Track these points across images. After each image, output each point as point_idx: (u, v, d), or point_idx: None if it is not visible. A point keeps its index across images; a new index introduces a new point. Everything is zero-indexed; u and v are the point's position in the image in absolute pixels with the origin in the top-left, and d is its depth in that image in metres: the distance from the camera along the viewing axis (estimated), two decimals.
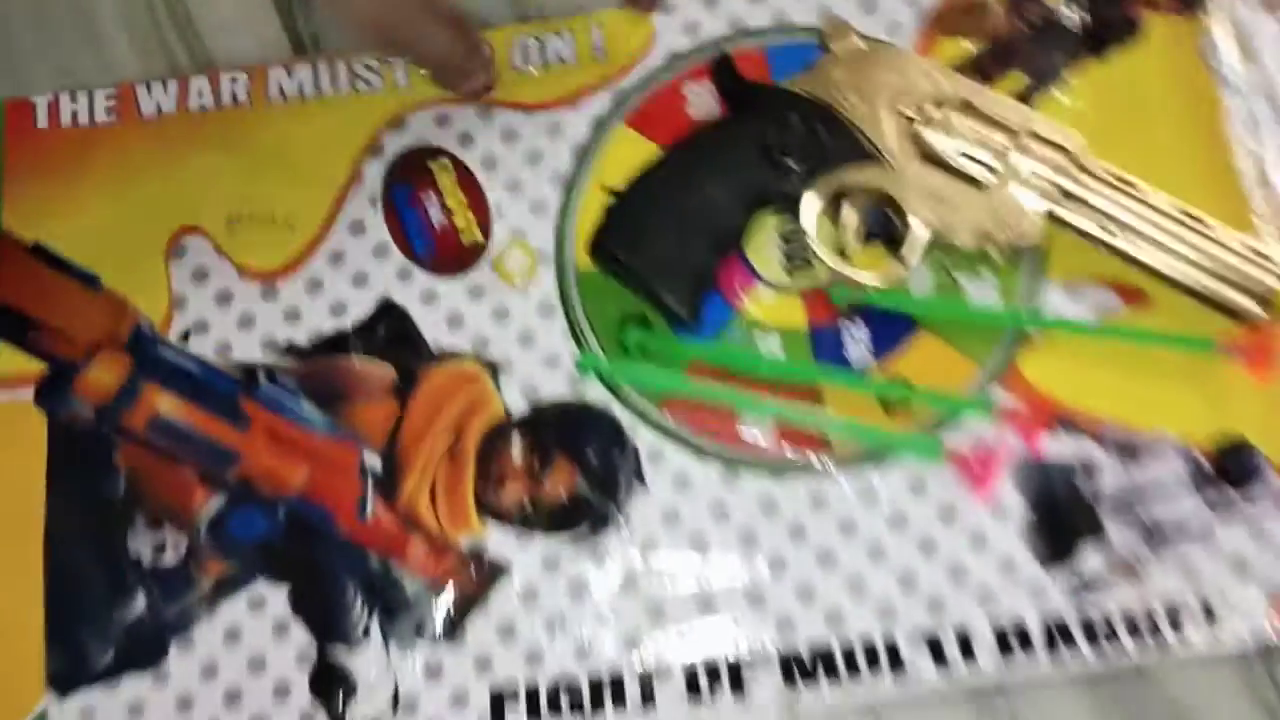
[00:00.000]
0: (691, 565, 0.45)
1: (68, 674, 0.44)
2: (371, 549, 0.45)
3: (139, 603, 0.45)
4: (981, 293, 0.47)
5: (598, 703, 0.43)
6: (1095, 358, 0.46)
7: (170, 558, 0.45)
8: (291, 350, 0.47)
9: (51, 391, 0.47)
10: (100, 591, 0.45)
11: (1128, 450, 0.45)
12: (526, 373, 0.47)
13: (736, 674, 0.44)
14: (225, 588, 0.45)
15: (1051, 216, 0.46)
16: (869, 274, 0.46)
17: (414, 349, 0.47)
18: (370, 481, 0.46)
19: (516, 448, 0.46)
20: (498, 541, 0.45)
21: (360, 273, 0.48)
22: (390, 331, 0.48)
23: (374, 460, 0.46)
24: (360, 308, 0.48)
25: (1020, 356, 0.46)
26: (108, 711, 0.44)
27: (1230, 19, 0.50)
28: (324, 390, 0.47)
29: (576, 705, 0.43)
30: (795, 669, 0.43)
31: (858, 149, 0.46)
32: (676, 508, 0.46)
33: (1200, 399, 0.46)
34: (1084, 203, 0.45)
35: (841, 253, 0.47)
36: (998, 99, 0.47)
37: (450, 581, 0.45)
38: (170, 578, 0.45)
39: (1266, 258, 0.45)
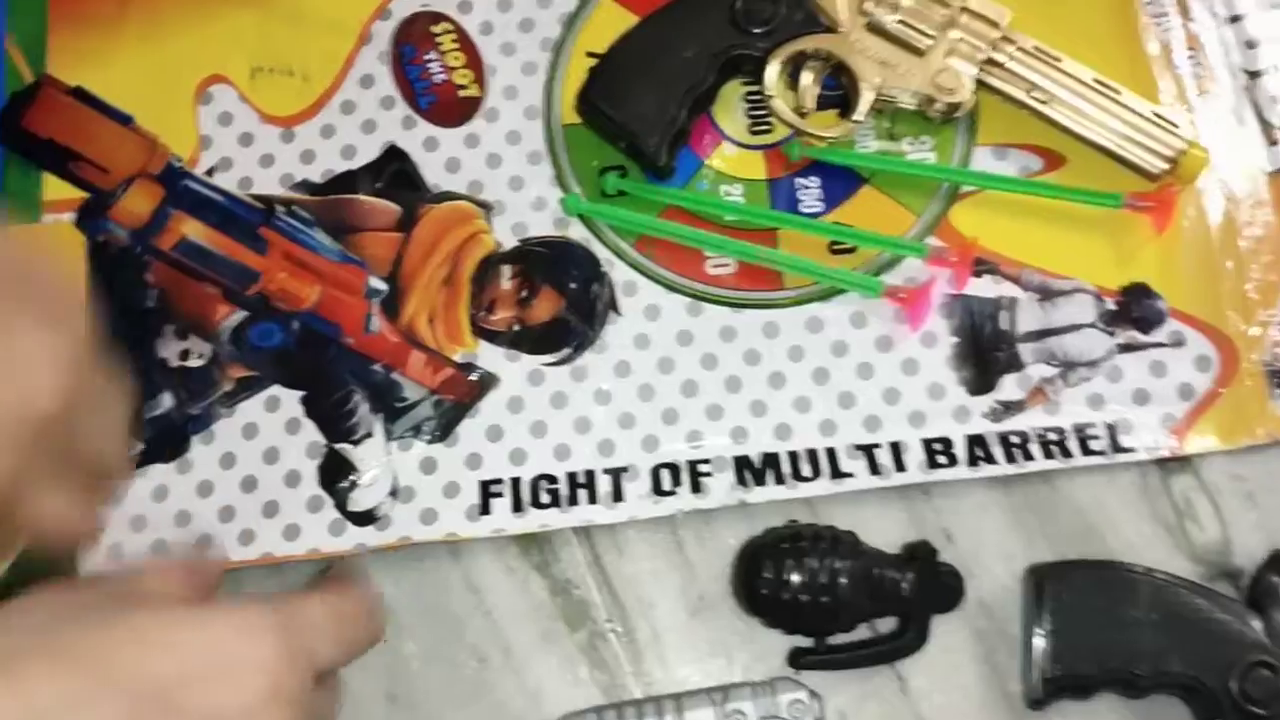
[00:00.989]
0: (659, 384, 0.51)
1: None
2: (376, 359, 0.51)
3: (166, 400, 0.50)
4: (920, 154, 0.53)
5: (574, 498, 0.49)
6: (1017, 211, 0.52)
7: (195, 362, 0.51)
8: (307, 186, 0.53)
9: (91, 216, 0.52)
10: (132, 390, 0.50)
11: (1044, 292, 0.52)
12: (516, 213, 0.53)
13: (695, 475, 0.50)
14: (243, 389, 0.51)
15: (982, 83, 0.52)
16: (822, 130, 0.52)
17: (416, 189, 0.53)
18: (376, 301, 0.51)
19: (506, 277, 0.52)
20: (488, 357, 0.51)
21: (369, 120, 0.54)
22: (395, 173, 0.53)
23: (379, 284, 0.52)
24: (368, 152, 0.54)
25: (952, 209, 0.52)
26: (134, 495, 0.49)
27: None
28: (335, 221, 0.52)
29: (554, 498, 0.49)
30: (747, 472, 0.50)
31: (815, 20, 0.52)
32: (647, 334, 0.51)
33: (1109, 249, 0.52)
34: (1011, 71, 0.51)
35: (800, 113, 0.53)
36: None
37: (446, 389, 0.51)
38: (194, 379, 0.51)
39: (1171, 122, 0.51)
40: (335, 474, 0.49)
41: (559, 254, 0.52)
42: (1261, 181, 0.53)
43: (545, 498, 0.49)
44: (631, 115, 0.52)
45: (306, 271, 0.51)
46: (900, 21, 0.52)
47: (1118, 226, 0.52)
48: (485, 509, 0.49)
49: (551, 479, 0.49)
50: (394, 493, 0.49)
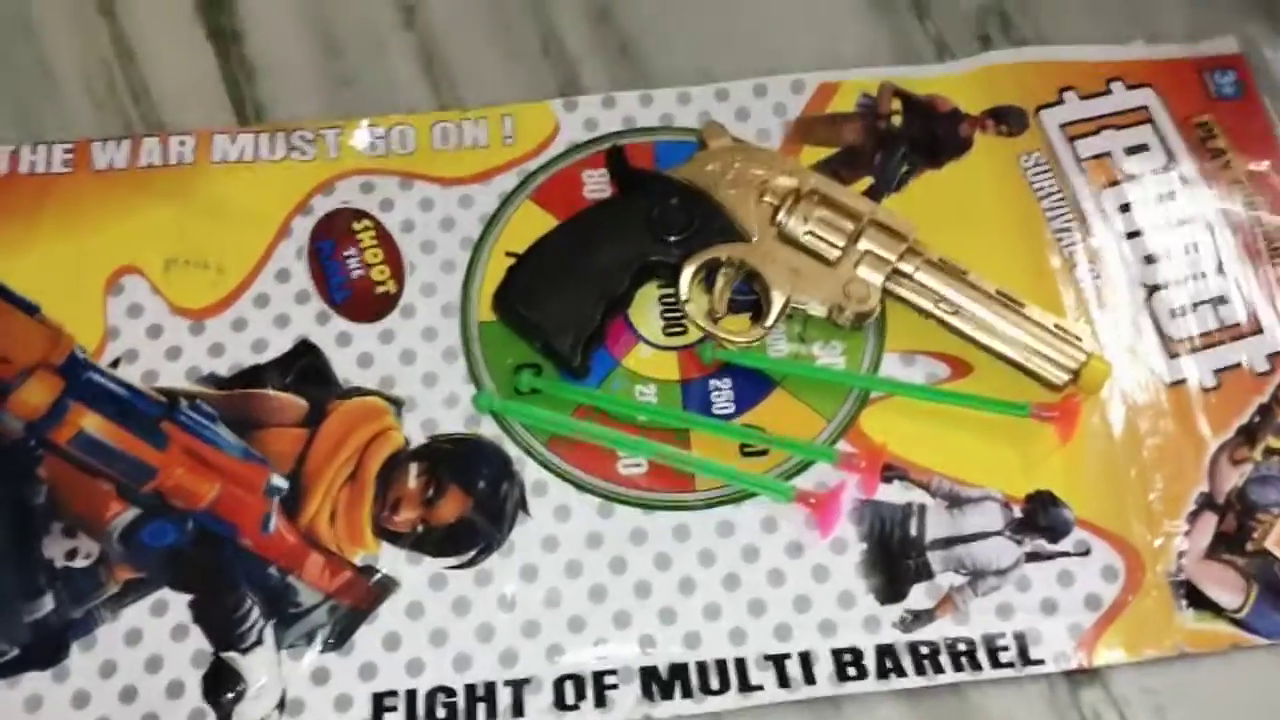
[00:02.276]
0: (566, 588, 0.50)
1: None
2: (272, 561, 0.49)
3: (47, 603, 0.48)
4: (831, 358, 0.54)
5: (472, 713, 0.47)
6: (926, 417, 0.53)
7: (81, 562, 0.49)
8: (213, 380, 0.52)
9: None
10: (12, 591, 0.48)
11: (953, 499, 0.52)
12: (427, 409, 0.52)
13: (600, 688, 0.48)
14: (130, 592, 0.48)
15: (890, 293, 0.53)
16: (734, 335, 0.53)
17: (325, 384, 0.53)
18: (276, 500, 0.50)
19: (413, 475, 0.51)
20: (390, 560, 0.50)
21: (282, 314, 0.54)
22: (305, 368, 0.53)
23: (280, 481, 0.50)
24: (280, 345, 0.53)
25: (862, 414, 0.53)
26: (7, 705, 0.47)
27: (1043, 142, 0.59)
28: (240, 417, 0.52)
29: (451, 713, 0.47)
30: (654, 684, 0.48)
31: (728, 229, 0.54)
32: (556, 535, 0.50)
33: (1016, 456, 0.52)
34: (918, 282, 0.53)
35: (713, 317, 0.54)
36: (848, 192, 0.54)
37: (343, 594, 0.49)
38: (79, 580, 0.48)
39: (1074, 335, 0.52)
40: (221, 685, 0.47)
41: (469, 452, 0.52)
42: (1162, 392, 0.54)
43: (442, 712, 0.47)
44: (547, 316, 0.52)
45: (206, 468, 0.50)
46: (810, 233, 0.53)
47: (1024, 434, 0.53)
48: None
49: (450, 691, 0.47)
50: (281, 705, 0.47)
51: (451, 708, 0.47)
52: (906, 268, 0.53)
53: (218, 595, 0.48)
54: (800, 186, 0.54)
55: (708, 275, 0.54)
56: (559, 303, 0.52)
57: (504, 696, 0.47)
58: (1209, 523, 0.52)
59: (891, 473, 0.52)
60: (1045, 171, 0.58)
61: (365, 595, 0.49)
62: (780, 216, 0.54)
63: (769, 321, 0.53)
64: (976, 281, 0.53)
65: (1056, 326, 0.52)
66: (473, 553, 0.50)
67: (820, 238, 0.53)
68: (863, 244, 0.53)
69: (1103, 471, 0.52)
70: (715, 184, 0.55)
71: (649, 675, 0.48)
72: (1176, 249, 0.57)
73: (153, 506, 0.49)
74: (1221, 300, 0.56)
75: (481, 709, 0.47)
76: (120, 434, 0.50)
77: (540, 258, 0.53)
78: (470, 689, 0.47)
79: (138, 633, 0.48)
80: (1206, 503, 0.52)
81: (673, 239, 0.54)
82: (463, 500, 0.51)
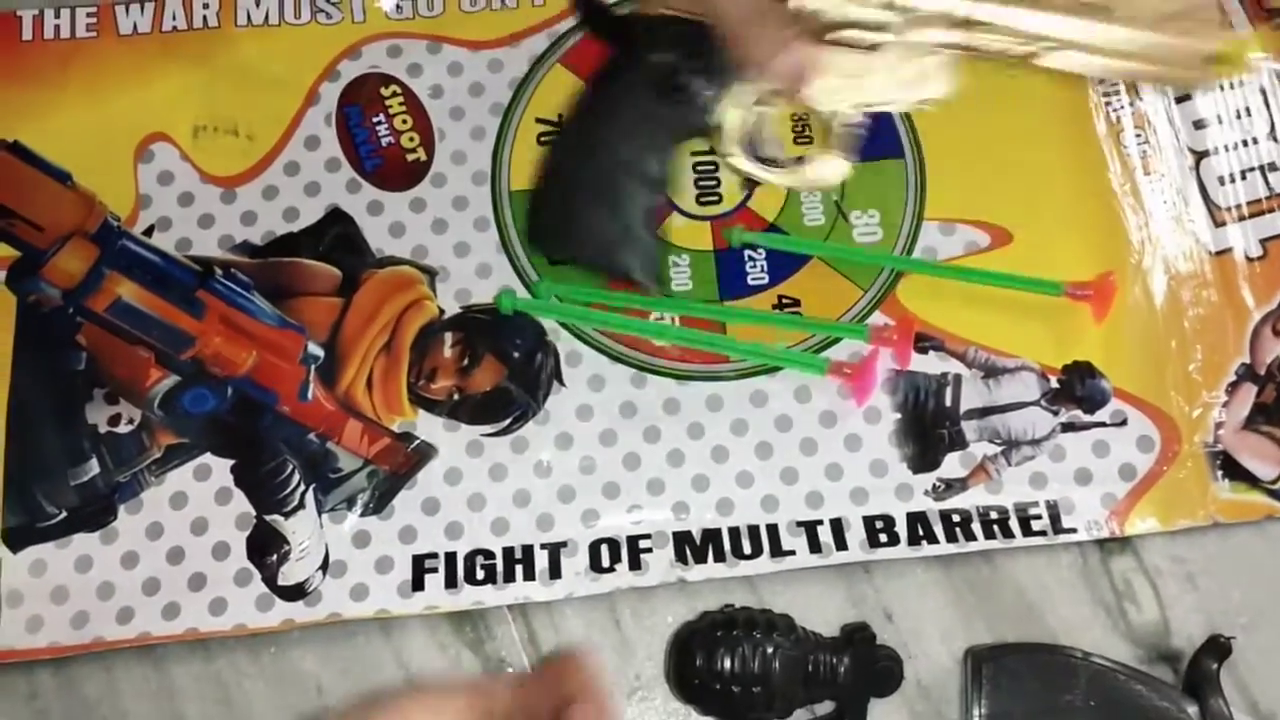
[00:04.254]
0: (600, 456, 0.50)
1: (22, 530, 0.48)
2: (310, 428, 0.50)
3: (92, 466, 0.49)
4: (867, 226, 0.53)
5: (510, 574, 0.49)
6: (964, 288, 0.52)
7: (124, 428, 0.50)
8: (246, 248, 0.52)
9: (22, 275, 0.51)
10: (57, 456, 0.49)
11: (989, 370, 0.51)
12: (461, 279, 0.52)
13: (635, 551, 0.49)
14: (173, 457, 0.49)
15: (965, 49, 0.47)
16: (801, 174, 0.49)
17: (359, 253, 0.52)
18: (312, 368, 0.50)
19: (448, 345, 0.51)
20: (427, 427, 0.50)
21: (313, 182, 0.53)
22: (338, 237, 0.52)
23: (317, 350, 0.51)
24: (311, 214, 0.53)
25: (899, 285, 0.52)
26: (57, 565, 0.48)
27: None
28: (274, 285, 0.51)
29: (490, 574, 0.48)
30: (687, 548, 0.49)
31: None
32: (591, 405, 0.51)
33: (1054, 328, 0.52)
34: (990, 25, 0.47)
35: (772, 161, 0.50)
36: None
37: (381, 460, 0.50)
38: (123, 445, 0.49)
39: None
40: (265, 547, 0.48)
41: (503, 322, 0.51)
42: (1207, 262, 0.53)
43: (480, 574, 0.48)
44: (598, 249, 0.47)
45: (243, 336, 0.50)
46: (843, 23, 0.46)
47: (1061, 307, 0.52)
48: (418, 585, 0.48)
49: (488, 554, 0.48)
50: (324, 567, 0.48)
51: (490, 569, 0.48)
52: (970, 11, 0.45)
53: (259, 460, 0.49)
54: None
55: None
56: (602, 230, 0.47)
57: (541, 559, 0.48)
58: (1248, 394, 0.51)
59: (927, 343, 0.51)
60: None
61: (403, 461, 0.49)
62: (800, 11, 0.46)
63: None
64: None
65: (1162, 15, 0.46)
66: (508, 420, 0.50)
67: (856, 22, 0.46)
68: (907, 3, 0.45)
69: (1142, 342, 0.51)
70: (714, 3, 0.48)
71: (682, 540, 0.49)
72: (1227, 114, 0.55)
73: (191, 374, 0.50)
74: (1272, 167, 0.54)
75: (519, 570, 0.48)
76: (157, 302, 0.51)
77: (559, 186, 0.48)
78: (508, 552, 0.48)
79: (183, 496, 0.49)
80: (1246, 374, 0.51)
81: (695, 89, 0.47)
82: (498, 369, 0.51)
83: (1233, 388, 0.51)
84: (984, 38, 0.46)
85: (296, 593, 0.47)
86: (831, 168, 0.48)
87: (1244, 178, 0.54)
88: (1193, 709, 0.45)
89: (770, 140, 0.49)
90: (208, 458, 0.49)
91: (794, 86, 0.47)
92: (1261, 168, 0.54)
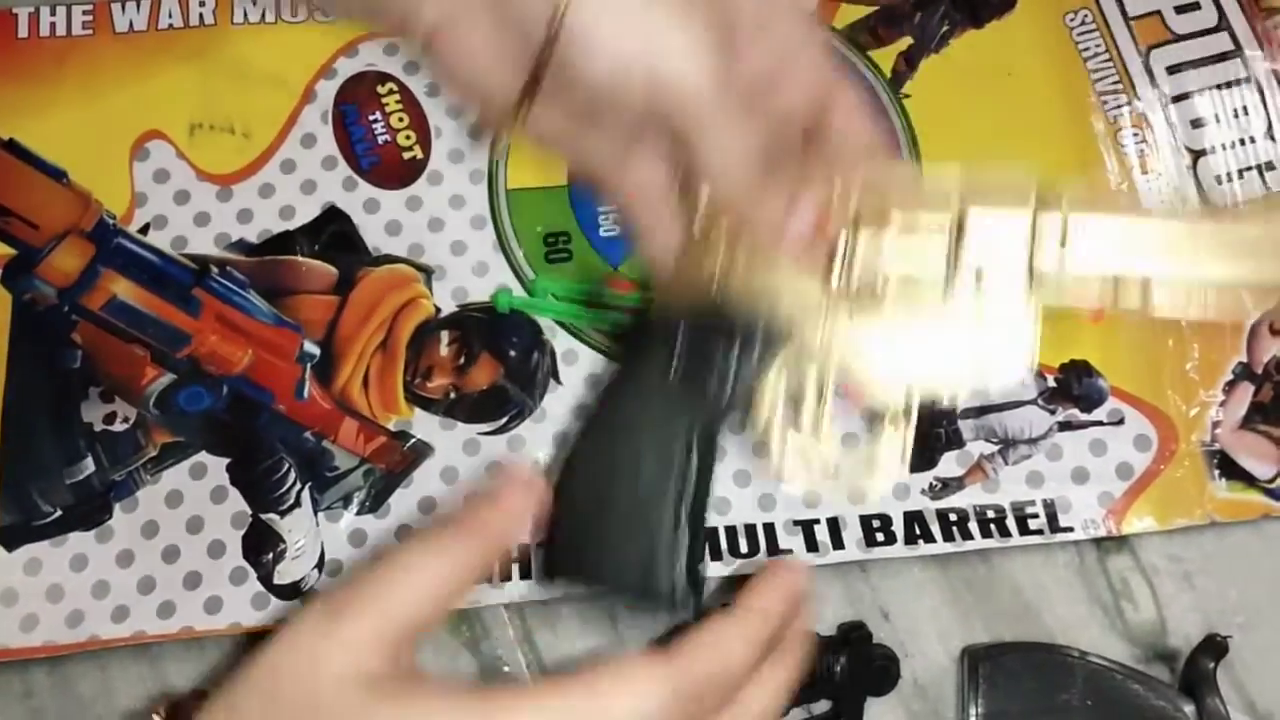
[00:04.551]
0: None
1: (16, 528, 0.48)
2: (306, 426, 0.50)
3: (88, 465, 0.49)
4: None
5: (507, 573, 0.48)
6: None
7: (120, 426, 0.49)
8: (242, 246, 0.52)
9: (17, 273, 0.51)
10: (52, 454, 0.49)
11: None
12: (457, 278, 0.52)
13: None
14: (169, 455, 0.49)
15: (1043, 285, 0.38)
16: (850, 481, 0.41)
17: (355, 251, 0.52)
18: (308, 366, 0.50)
19: (444, 343, 0.51)
20: (423, 425, 0.50)
21: (309, 180, 0.53)
22: (334, 235, 0.52)
23: (313, 348, 0.51)
24: (308, 212, 0.53)
25: None
26: (52, 563, 0.48)
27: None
28: (270, 283, 0.51)
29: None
30: None
31: (777, 330, 0.40)
32: (587, 403, 0.51)
33: (1050, 327, 0.51)
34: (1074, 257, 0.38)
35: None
36: (901, 173, 0.42)
37: (378, 458, 0.49)
38: (118, 444, 0.49)
39: None
40: (260, 545, 0.48)
41: (499, 321, 0.51)
42: None
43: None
44: (623, 570, 0.41)
45: (238, 334, 0.50)
46: (894, 280, 0.38)
47: (1058, 306, 0.52)
48: None
49: None
50: (320, 566, 0.48)
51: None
52: (1050, 232, 0.37)
53: (254, 459, 0.49)
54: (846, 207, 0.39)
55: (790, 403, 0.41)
56: (625, 547, 0.40)
57: (537, 557, 0.48)
58: (1245, 393, 0.51)
59: None
60: (1091, 31, 0.56)
61: (400, 459, 0.49)
62: (841, 274, 0.38)
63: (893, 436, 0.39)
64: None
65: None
66: (505, 419, 0.50)
67: (912, 281, 0.38)
68: (971, 238, 0.37)
69: (1139, 341, 0.51)
70: (731, 275, 0.40)
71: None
72: (1225, 113, 0.55)
73: (187, 372, 0.50)
74: (1270, 166, 0.54)
75: (515, 569, 0.48)
76: (153, 300, 0.50)
77: (577, 516, 0.41)
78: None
79: (178, 494, 0.49)
80: (1244, 373, 0.51)
81: (717, 388, 0.40)
82: (494, 368, 0.51)
83: (1230, 387, 0.51)
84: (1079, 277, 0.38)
85: (292, 591, 0.47)
86: (886, 462, 0.40)
87: (1241, 176, 0.54)
88: (1189, 708, 0.45)
89: (815, 419, 0.41)
90: (203, 456, 0.49)
91: (812, 255, 0.39)
92: (1259, 167, 0.54)
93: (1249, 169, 0.54)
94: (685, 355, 0.40)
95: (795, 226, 0.39)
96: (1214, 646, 0.46)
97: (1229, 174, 0.54)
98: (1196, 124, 0.55)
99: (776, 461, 0.41)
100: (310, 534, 0.48)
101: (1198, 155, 0.55)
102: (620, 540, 0.41)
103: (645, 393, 0.41)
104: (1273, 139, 0.55)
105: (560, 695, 0.36)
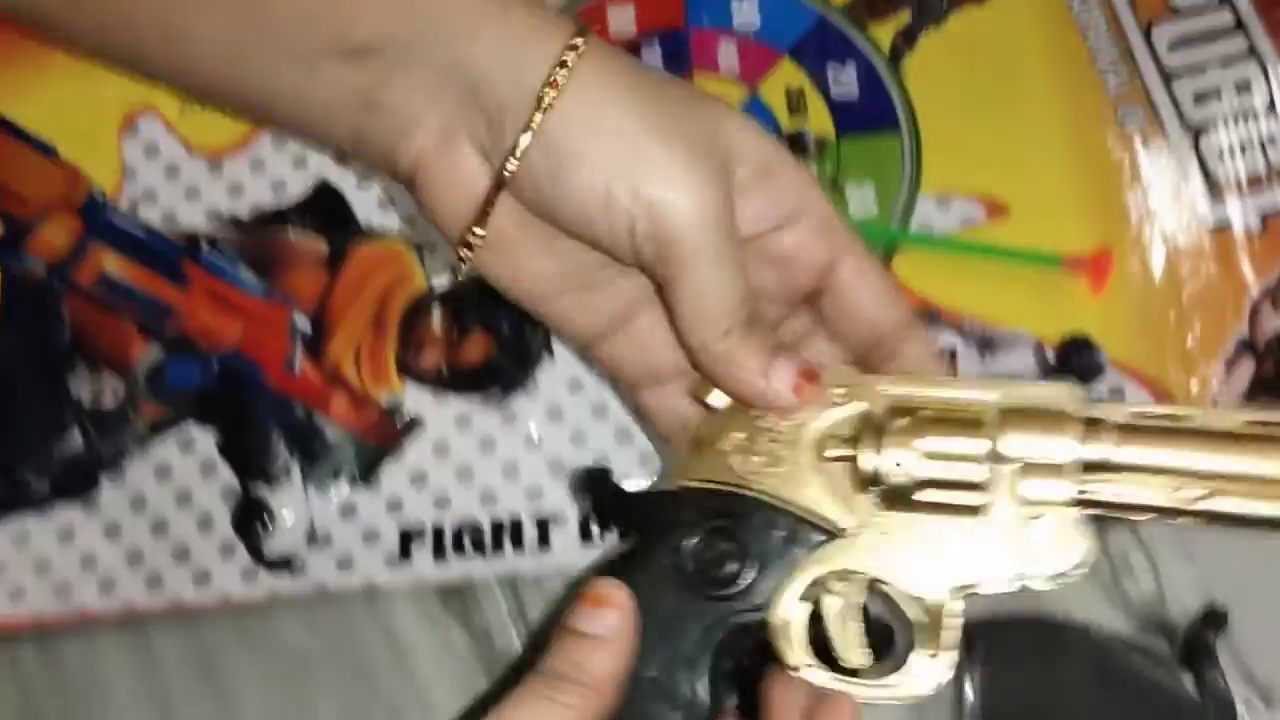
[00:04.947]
0: (592, 430, 0.49)
1: (4, 501, 0.48)
2: (297, 400, 0.49)
3: (76, 439, 0.49)
4: (861, 197, 0.53)
5: (499, 545, 0.48)
6: (959, 264, 0.52)
7: (109, 400, 0.49)
8: (233, 221, 0.52)
9: (6, 248, 0.50)
10: (40, 427, 0.49)
11: (985, 342, 0.51)
12: (449, 252, 0.52)
13: None
14: (158, 429, 0.49)
15: (1094, 507, 0.34)
16: (891, 685, 0.36)
17: (346, 226, 0.52)
18: (299, 340, 0.50)
19: (436, 318, 0.51)
20: (415, 399, 0.50)
21: (300, 156, 0.52)
22: (325, 210, 0.52)
23: (304, 323, 0.50)
24: (299, 187, 0.52)
25: (895, 259, 0.52)
26: (40, 536, 0.48)
27: None
28: (261, 258, 0.51)
29: (478, 546, 0.48)
30: None
31: (799, 530, 0.36)
32: (580, 377, 0.50)
33: (1050, 300, 0.51)
34: (1125, 468, 0.34)
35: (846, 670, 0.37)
36: (940, 379, 0.37)
37: (368, 432, 0.49)
38: (107, 418, 0.49)
39: None
40: (250, 518, 0.48)
41: (492, 295, 0.50)
42: (1206, 236, 0.52)
43: (469, 545, 0.48)
44: None
45: (229, 309, 0.50)
46: (928, 482, 0.35)
47: (1058, 280, 0.51)
48: (405, 556, 0.47)
49: (476, 526, 0.48)
50: (311, 538, 0.48)
51: (478, 541, 0.48)
52: (1095, 454, 0.34)
53: (244, 433, 0.48)
54: (871, 409, 0.36)
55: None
56: None
57: (530, 531, 0.48)
58: (1247, 368, 0.51)
59: (924, 315, 0.51)
60: (1092, 6, 0.55)
61: (391, 433, 0.49)
62: (868, 470, 0.35)
63: (930, 659, 0.35)
64: (1214, 420, 0.34)
65: None
66: (497, 393, 0.49)
67: (948, 482, 0.35)
68: (1012, 453, 0.34)
69: (1140, 315, 0.51)
70: (745, 467, 0.37)
71: None
72: (1227, 87, 0.54)
73: (177, 347, 0.49)
74: (1272, 142, 0.54)
75: (508, 542, 0.48)
76: (142, 275, 0.50)
77: None
78: (496, 523, 0.48)
79: (167, 468, 0.48)
80: (1245, 348, 0.51)
81: (733, 584, 0.35)
82: (487, 342, 0.50)
83: (1231, 362, 0.51)
84: (1131, 487, 0.34)
85: (282, 564, 0.47)
86: (928, 674, 0.35)
87: (1244, 152, 0.54)
88: (1189, 679, 0.45)
89: (843, 636, 0.37)
90: (192, 430, 0.49)
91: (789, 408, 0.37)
92: (1262, 142, 0.54)
93: (1251, 145, 0.54)
94: (693, 563, 0.36)
95: (772, 386, 0.36)
96: (1213, 617, 0.46)
97: (1231, 149, 0.54)
98: (1199, 99, 0.54)
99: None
100: (300, 507, 0.48)
101: (1200, 130, 0.54)
102: None
103: (661, 583, 0.36)
104: (1275, 115, 0.54)
105: None
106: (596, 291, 0.39)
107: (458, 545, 0.48)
